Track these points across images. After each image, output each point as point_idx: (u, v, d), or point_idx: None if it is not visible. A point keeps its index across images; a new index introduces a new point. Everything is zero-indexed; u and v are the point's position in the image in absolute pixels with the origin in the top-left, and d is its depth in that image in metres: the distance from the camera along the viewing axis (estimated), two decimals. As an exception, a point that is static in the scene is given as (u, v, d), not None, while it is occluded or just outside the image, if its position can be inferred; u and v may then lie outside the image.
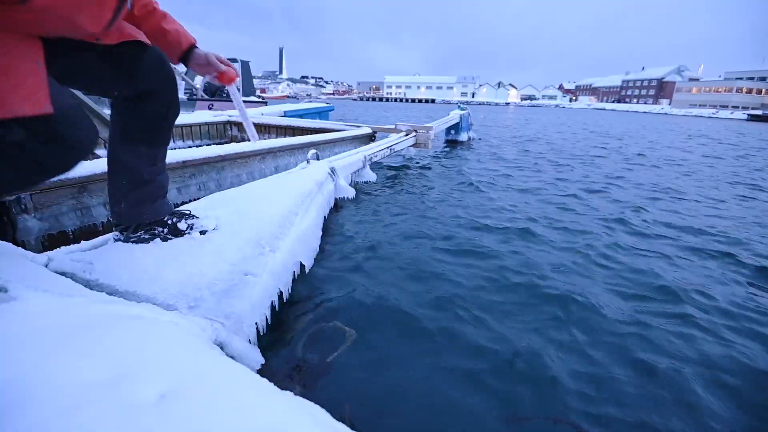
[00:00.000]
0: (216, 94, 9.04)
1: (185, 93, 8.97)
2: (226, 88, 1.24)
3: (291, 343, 1.11)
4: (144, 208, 1.12)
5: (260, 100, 10.97)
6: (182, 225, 1.18)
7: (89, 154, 0.86)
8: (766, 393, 1.06)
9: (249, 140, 1.54)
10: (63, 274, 0.91)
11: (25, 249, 1.00)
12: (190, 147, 3.22)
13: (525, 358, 1.13)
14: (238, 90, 1.30)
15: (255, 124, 3.19)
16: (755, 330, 1.36)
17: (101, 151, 1.99)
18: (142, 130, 1.06)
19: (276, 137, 4.66)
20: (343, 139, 4.25)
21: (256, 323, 0.99)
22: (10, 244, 0.97)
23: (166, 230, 1.16)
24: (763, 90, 56.58)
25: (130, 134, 1.05)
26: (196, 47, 1.15)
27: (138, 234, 1.13)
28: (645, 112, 51.40)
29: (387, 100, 74.04)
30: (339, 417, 0.58)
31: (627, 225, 2.46)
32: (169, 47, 1.10)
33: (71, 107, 0.82)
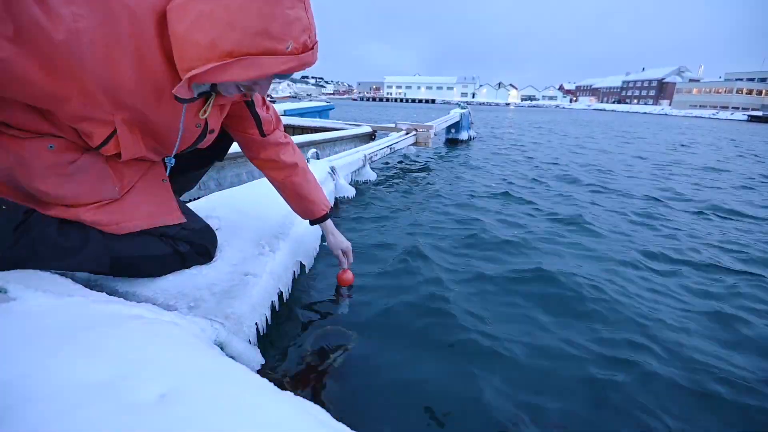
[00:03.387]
0: None
1: None
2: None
3: (291, 344, 1.12)
4: None
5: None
6: None
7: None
8: None
9: None
10: (63, 274, 0.90)
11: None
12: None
13: (529, 357, 1.13)
14: None
15: None
16: None
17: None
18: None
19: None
20: (343, 138, 4.25)
21: (256, 323, 0.99)
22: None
23: None
24: (764, 91, 56.59)
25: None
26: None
27: None
28: (645, 112, 51.42)
29: (387, 100, 74.03)
30: (339, 417, 0.58)
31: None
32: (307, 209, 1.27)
33: (204, 225, 1.06)
